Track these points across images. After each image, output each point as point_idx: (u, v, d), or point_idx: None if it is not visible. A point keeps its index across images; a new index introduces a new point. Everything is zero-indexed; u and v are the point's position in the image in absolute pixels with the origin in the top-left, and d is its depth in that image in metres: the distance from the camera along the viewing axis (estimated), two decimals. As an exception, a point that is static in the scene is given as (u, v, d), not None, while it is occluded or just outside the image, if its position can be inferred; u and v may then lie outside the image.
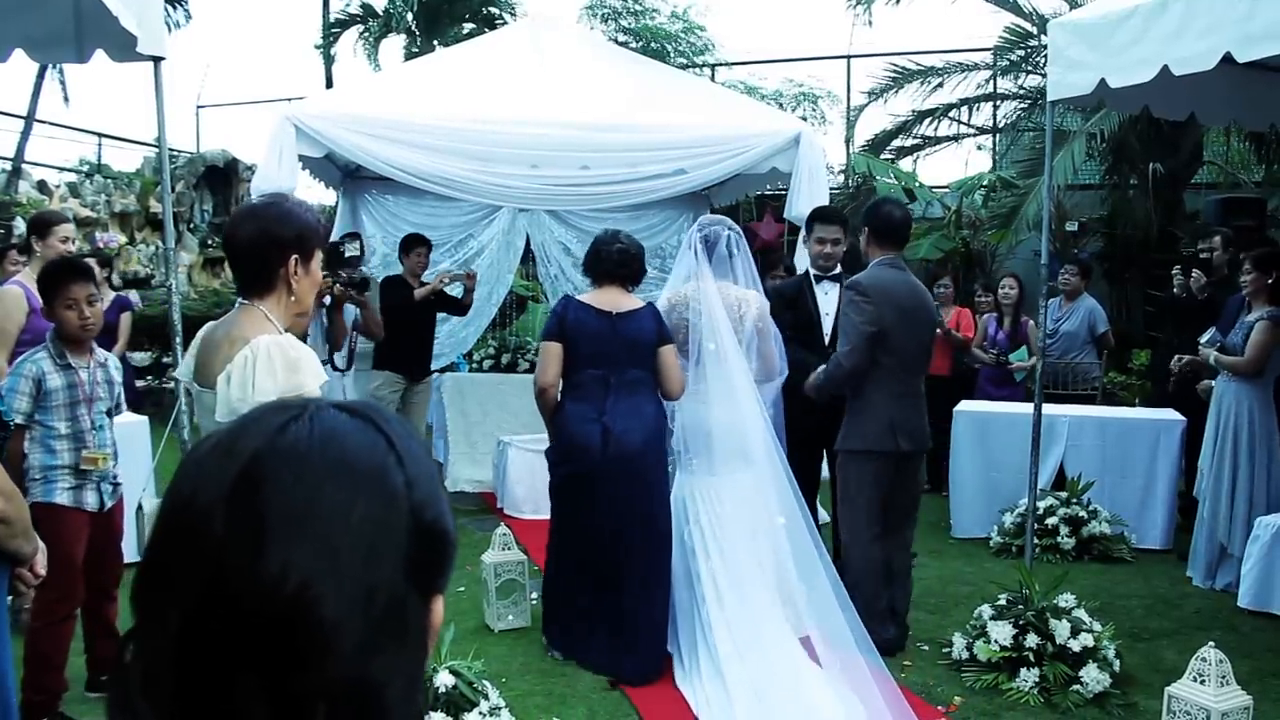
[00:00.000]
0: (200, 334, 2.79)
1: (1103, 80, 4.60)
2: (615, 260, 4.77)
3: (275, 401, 0.87)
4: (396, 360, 7.35)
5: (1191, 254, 6.49)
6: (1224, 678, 3.64)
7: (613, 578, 4.68)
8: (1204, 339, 6.15)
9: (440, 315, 8.37)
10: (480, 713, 3.63)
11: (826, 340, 5.42)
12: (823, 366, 5.04)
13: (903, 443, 4.83)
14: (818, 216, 5.62)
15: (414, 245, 7.58)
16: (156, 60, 4.33)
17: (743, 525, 4.64)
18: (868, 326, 4.73)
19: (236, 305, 2.68)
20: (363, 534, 0.77)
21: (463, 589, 5.82)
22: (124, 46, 4.21)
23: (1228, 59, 4.03)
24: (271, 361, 2.47)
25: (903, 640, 5.00)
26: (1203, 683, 3.64)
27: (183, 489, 0.79)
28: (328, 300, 6.05)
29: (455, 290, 7.83)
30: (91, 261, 8.19)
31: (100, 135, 15.82)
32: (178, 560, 0.77)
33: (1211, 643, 3.77)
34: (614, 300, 4.74)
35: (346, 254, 6.66)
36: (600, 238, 4.91)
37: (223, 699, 0.74)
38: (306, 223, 2.64)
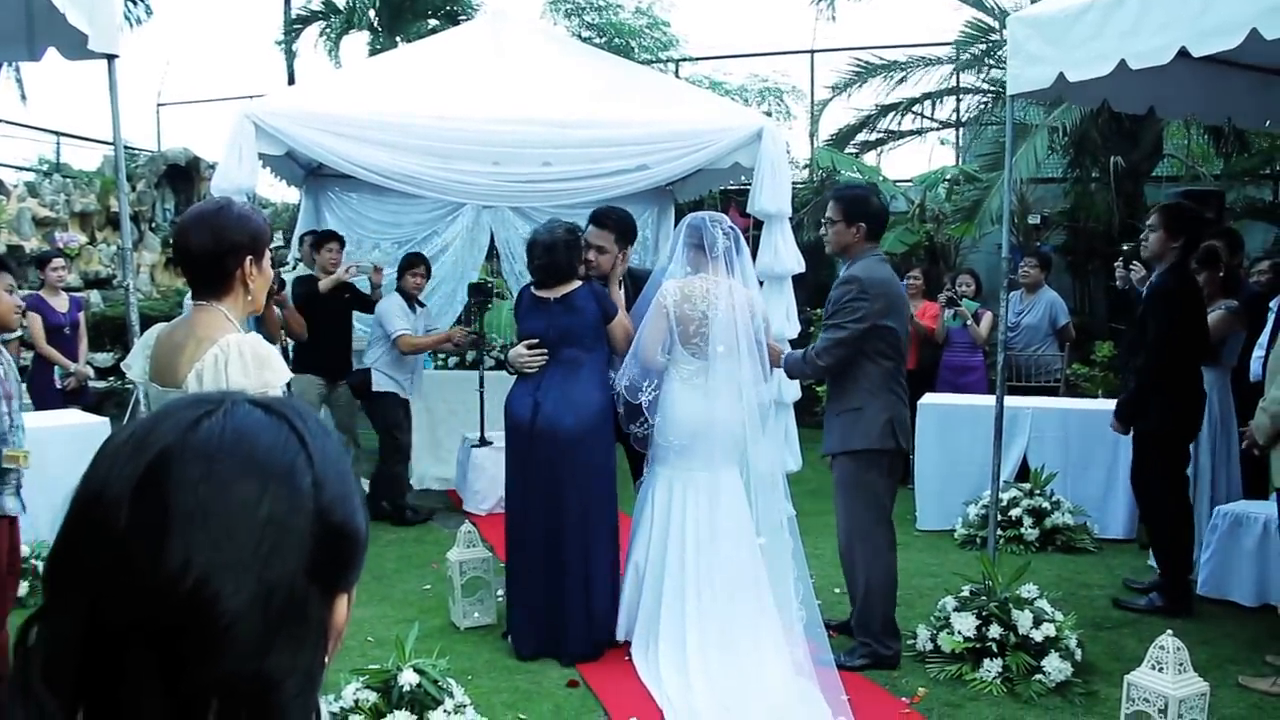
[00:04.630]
0: (151, 335, 2.84)
1: (1061, 74, 4.64)
2: (537, 274, 5.00)
3: (191, 395, 0.88)
4: (313, 362, 7.25)
5: (1133, 247, 6.55)
6: (1181, 665, 3.68)
7: (551, 557, 4.80)
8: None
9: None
10: (445, 710, 3.61)
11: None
12: (793, 351, 5.07)
13: (901, 440, 4.70)
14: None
15: (325, 241, 7.49)
16: (110, 58, 4.28)
17: (731, 521, 4.65)
18: (859, 325, 4.56)
19: (191, 306, 2.76)
20: (265, 532, 0.78)
21: (429, 587, 5.81)
22: (76, 44, 4.16)
23: (1184, 53, 4.07)
24: (243, 358, 2.55)
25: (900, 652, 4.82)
26: (1161, 670, 3.68)
27: (93, 480, 0.80)
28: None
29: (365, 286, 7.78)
30: (61, 260, 8.14)
31: (59, 134, 15.63)
32: (83, 550, 0.78)
33: (1170, 631, 3.81)
34: (552, 289, 4.94)
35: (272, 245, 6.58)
36: (527, 247, 5.13)
37: (122, 688, 0.75)
38: (258, 224, 2.75)
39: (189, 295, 2.91)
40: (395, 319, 7.19)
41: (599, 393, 4.87)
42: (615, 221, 5.20)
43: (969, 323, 8.23)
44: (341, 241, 7.57)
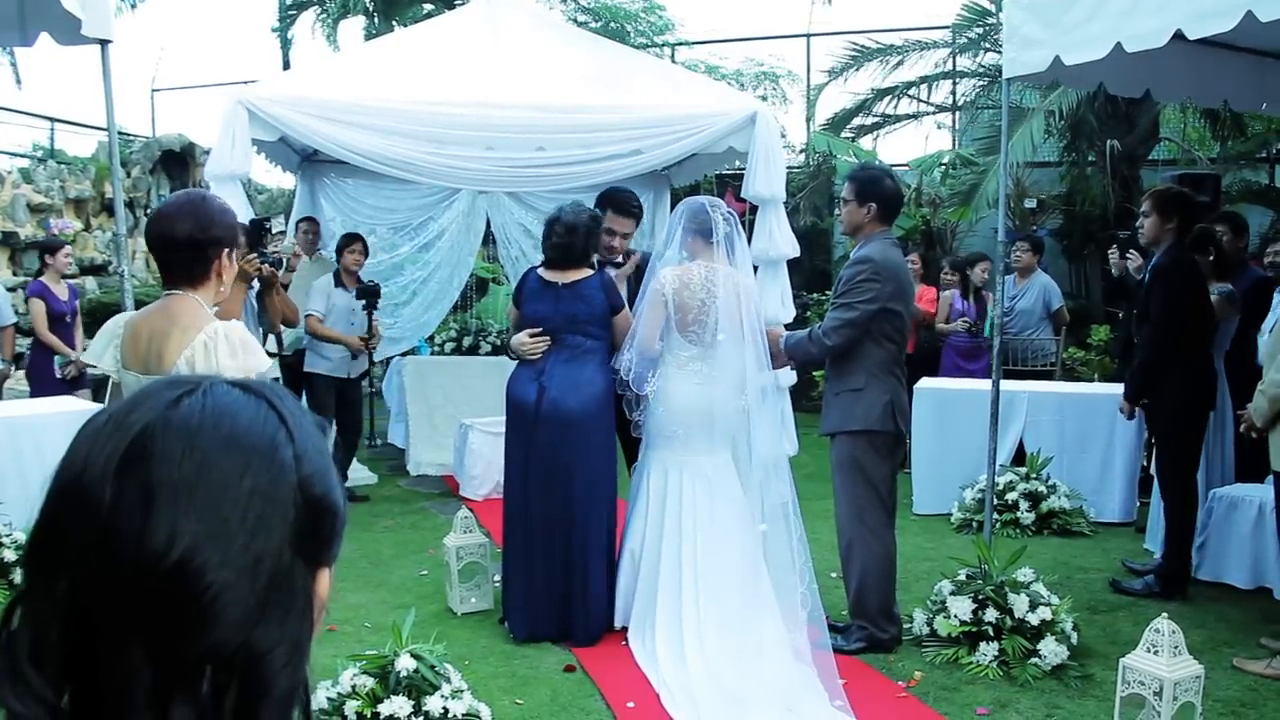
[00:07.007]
0: (118, 324, 2.94)
1: (1057, 58, 4.63)
2: (552, 252, 4.94)
3: (168, 377, 0.90)
4: None
5: (1130, 234, 6.52)
6: (1176, 648, 3.69)
7: (550, 541, 4.80)
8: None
9: (400, 300, 8.32)
10: (442, 695, 3.62)
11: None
12: (795, 332, 5.01)
13: (900, 424, 4.69)
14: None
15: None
16: (103, 43, 4.26)
17: (728, 507, 4.64)
18: (870, 307, 4.56)
19: (164, 295, 2.84)
20: (250, 505, 0.80)
21: (425, 572, 5.82)
22: (69, 29, 4.15)
23: (1179, 36, 4.06)
24: (231, 344, 2.64)
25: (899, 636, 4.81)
26: (1156, 653, 3.69)
27: (74, 460, 0.81)
28: (256, 284, 5.81)
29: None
30: (69, 248, 8.13)
31: (53, 120, 15.55)
32: (67, 528, 0.79)
33: (1165, 614, 3.81)
34: (562, 273, 4.90)
35: (274, 230, 6.48)
36: (546, 223, 5.04)
37: (110, 664, 0.76)
38: (235, 219, 2.91)
39: None
40: (314, 299, 7.14)
41: (602, 377, 4.85)
42: (638, 211, 5.42)
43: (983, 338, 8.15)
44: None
